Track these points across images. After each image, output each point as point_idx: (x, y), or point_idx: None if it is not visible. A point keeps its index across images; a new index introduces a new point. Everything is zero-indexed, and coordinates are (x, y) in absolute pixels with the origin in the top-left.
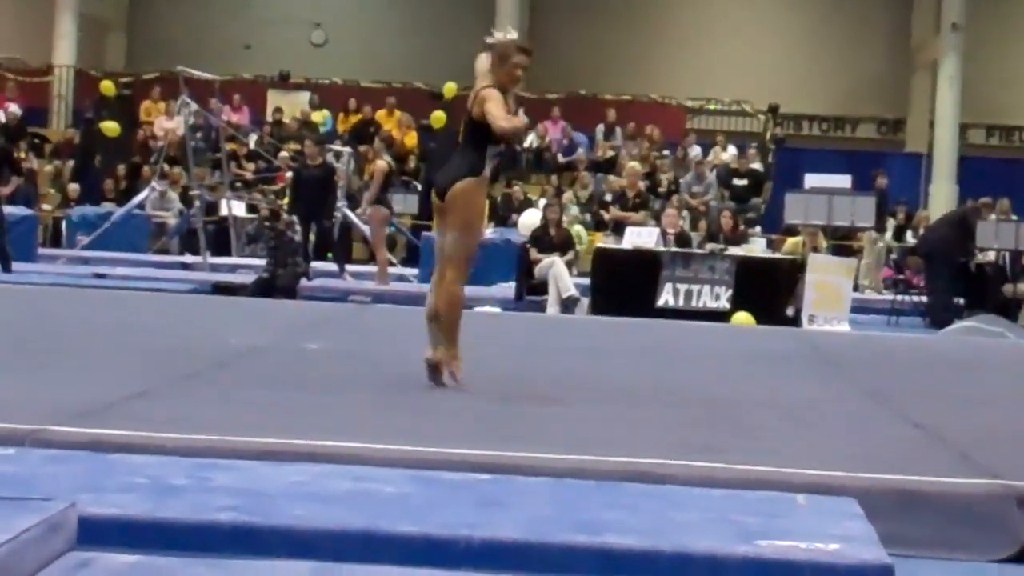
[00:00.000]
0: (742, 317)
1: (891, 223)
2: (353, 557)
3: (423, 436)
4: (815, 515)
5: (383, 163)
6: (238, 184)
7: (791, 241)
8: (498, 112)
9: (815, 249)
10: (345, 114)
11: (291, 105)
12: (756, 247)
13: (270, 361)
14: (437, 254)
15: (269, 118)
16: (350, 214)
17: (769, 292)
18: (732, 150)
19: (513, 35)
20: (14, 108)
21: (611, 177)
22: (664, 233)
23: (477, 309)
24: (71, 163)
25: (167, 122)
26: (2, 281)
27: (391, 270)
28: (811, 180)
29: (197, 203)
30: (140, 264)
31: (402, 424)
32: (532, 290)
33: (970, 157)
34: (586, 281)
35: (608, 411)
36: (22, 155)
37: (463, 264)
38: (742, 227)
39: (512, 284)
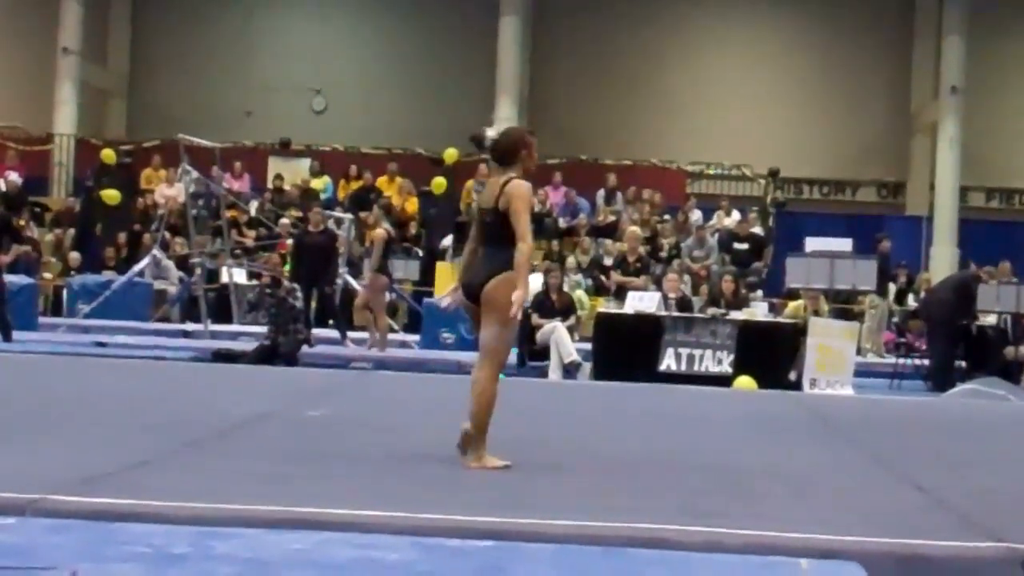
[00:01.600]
0: (744, 381)
1: (892, 287)
2: None
3: (425, 503)
4: None
5: (382, 231)
6: (239, 251)
7: (793, 305)
8: (527, 230)
9: (816, 313)
10: (346, 180)
11: (292, 172)
12: (758, 311)
13: (272, 429)
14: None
15: (270, 185)
16: (351, 281)
17: (771, 356)
18: (736, 215)
19: (500, 126)
20: (14, 177)
21: (612, 242)
22: (665, 298)
23: None
24: (72, 231)
25: (168, 190)
26: (2, 350)
27: (393, 337)
28: (812, 244)
29: (198, 271)
30: (141, 332)
31: (404, 491)
32: (534, 355)
33: (971, 220)
34: (588, 346)
35: (611, 477)
36: (23, 223)
37: (502, 359)
38: (743, 291)
39: (514, 350)
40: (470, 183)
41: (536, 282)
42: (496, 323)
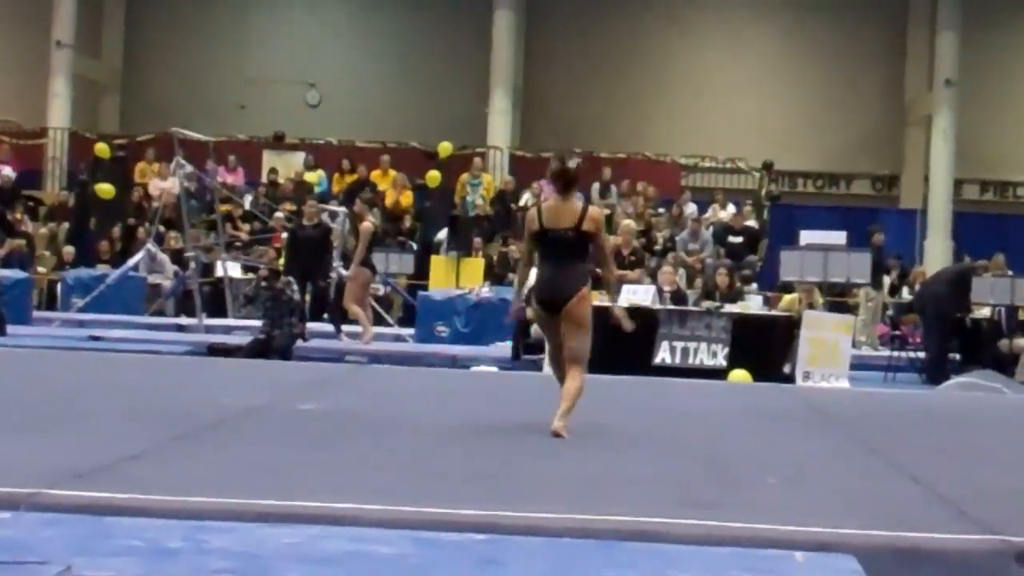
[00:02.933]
0: (739, 374)
1: (886, 280)
2: None
3: (419, 497)
4: (813, 572)
5: (368, 224)
6: (237, 244)
7: (787, 298)
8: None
9: (811, 306)
10: (340, 174)
11: (286, 166)
12: (752, 304)
13: (266, 422)
14: (552, 352)
15: (264, 179)
16: (345, 274)
17: (766, 349)
18: (731, 208)
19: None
20: (7, 171)
21: (606, 235)
22: (660, 291)
23: (474, 368)
24: (66, 225)
25: (162, 183)
26: None
27: (388, 330)
28: (806, 237)
29: (192, 264)
30: (135, 326)
31: (398, 485)
32: (528, 349)
33: (965, 213)
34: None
35: (606, 469)
36: (18, 216)
37: (587, 359)
38: (738, 284)
39: (508, 343)
40: (464, 176)
41: (531, 276)
42: (584, 331)
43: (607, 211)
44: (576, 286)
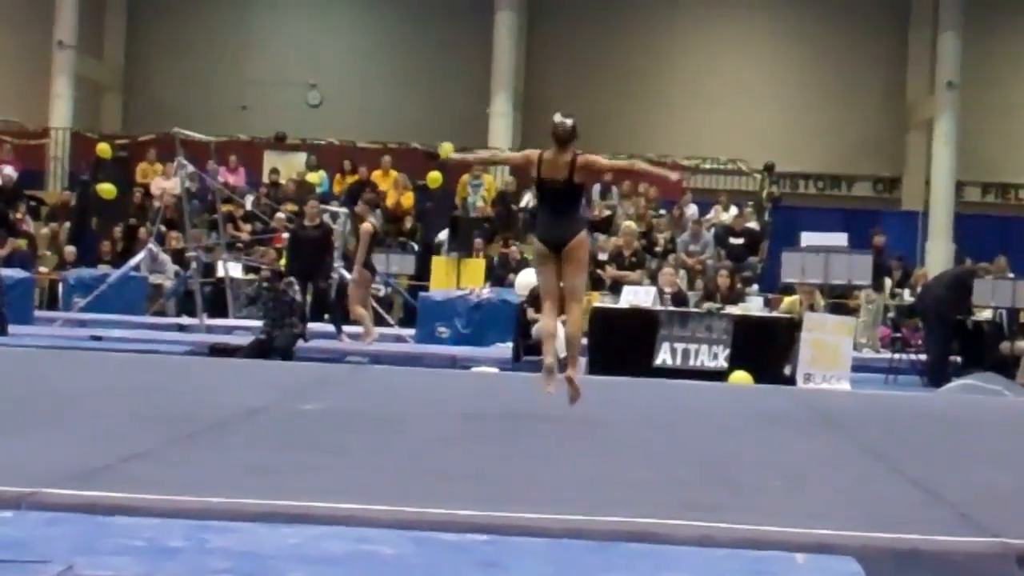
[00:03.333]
0: (740, 376)
1: (888, 282)
2: None
3: (421, 497)
4: (814, 574)
5: (368, 225)
6: (239, 245)
7: (788, 300)
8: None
9: (812, 307)
10: (341, 175)
11: (287, 166)
12: (753, 306)
13: (267, 422)
14: (550, 291)
15: (265, 179)
16: (346, 274)
17: (767, 351)
18: (733, 209)
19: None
20: (9, 171)
21: (607, 236)
22: (661, 292)
23: (474, 369)
24: (67, 225)
25: (164, 183)
26: None
27: (389, 331)
28: (807, 238)
29: (194, 265)
30: (136, 326)
31: (400, 485)
32: (529, 350)
33: (966, 215)
34: (584, 341)
35: (606, 471)
36: (20, 216)
37: (583, 295)
38: (739, 286)
39: (509, 344)
40: (465, 177)
41: (531, 277)
42: (583, 272)
43: (608, 212)
44: (575, 230)
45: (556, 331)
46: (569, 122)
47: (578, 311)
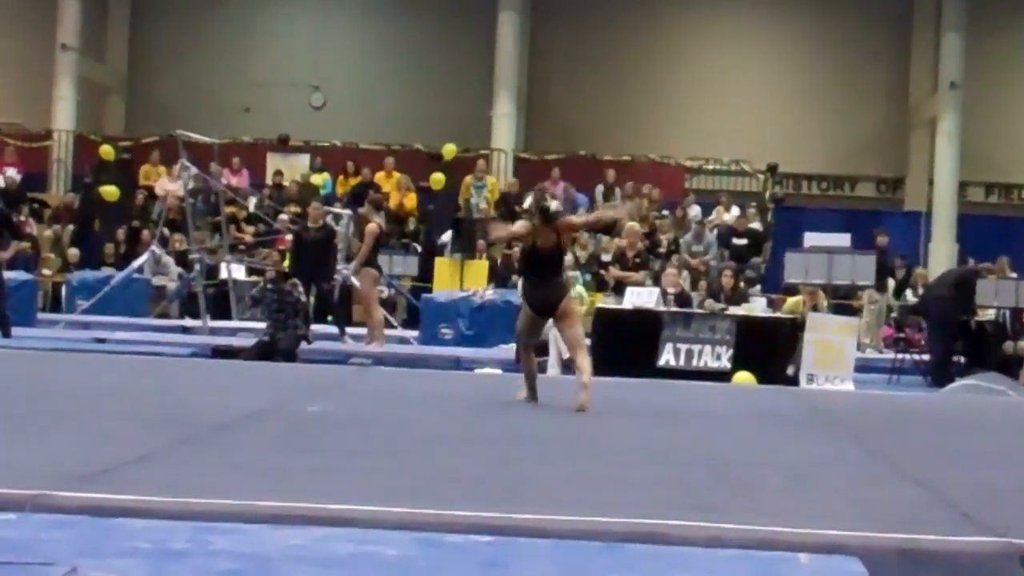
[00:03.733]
0: (743, 377)
1: (891, 282)
2: None
3: (425, 499)
4: (818, 574)
5: (373, 225)
6: (242, 247)
7: (791, 300)
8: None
9: (815, 308)
10: (344, 176)
11: (290, 168)
12: (756, 306)
13: (270, 424)
14: (533, 339)
15: (269, 181)
16: (351, 276)
17: (770, 352)
18: (735, 210)
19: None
20: (12, 173)
21: (611, 237)
22: (664, 293)
23: (478, 371)
24: (71, 228)
25: (167, 185)
26: (2, 346)
27: (392, 332)
28: (811, 239)
29: (197, 267)
30: (140, 328)
31: (403, 487)
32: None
33: (969, 215)
34: (587, 342)
35: (610, 471)
36: (23, 218)
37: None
38: (742, 286)
39: (512, 345)
40: (468, 179)
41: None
42: (578, 324)
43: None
44: (562, 294)
45: (536, 371)
46: (555, 204)
47: (586, 355)
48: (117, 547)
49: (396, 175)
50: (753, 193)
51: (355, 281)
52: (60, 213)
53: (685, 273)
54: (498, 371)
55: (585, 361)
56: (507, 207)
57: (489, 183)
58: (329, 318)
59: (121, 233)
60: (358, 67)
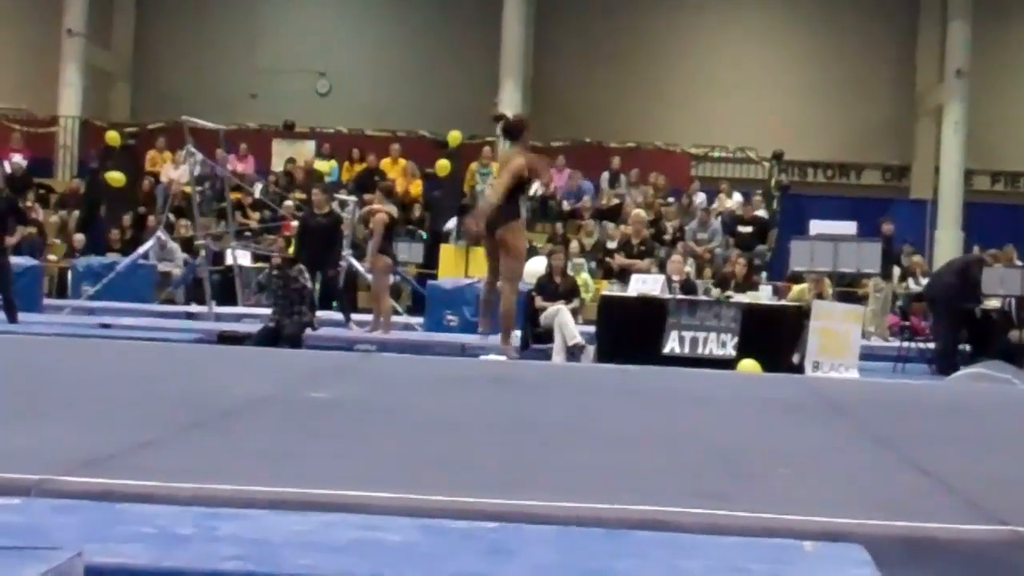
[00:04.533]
0: (748, 364)
1: (896, 270)
2: None
3: (429, 484)
4: (822, 562)
5: (383, 215)
6: (248, 233)
7: (797, 288)
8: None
9: (820, 296)
10: (350, 163)
11: (296, 154)
12: (762, 294)
13: (276, 410)
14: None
15: (274, 167)
16: (355, 263)
17: (775, 339)
18: (737, 197)
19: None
20: (19, 159)
21: (616, 224)
22: (669, 280)
23: (482, 357)
24: (76, 213)
25: (172, 172)
26: (8, 331)
27: (396, 319)
28: (816, 227)
29: (202, 253)
30: (145, 314)
31: (408, 473)
32: (537, 338)
33: (975, 203)
34: (592, 329)
35: (615, 458)
36: (30, 204)
37: (517, 279)
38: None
39: (518, 332)
40: (474, 165)
41: (539, 264)
42: (508, 256)
43: (616, 200)
44: (498, 217)
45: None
46: (508, 115)
47: (508, 294)
48: (123, 532)
49: (402, 162)
50: (759, 180)
51: (361, 269)
52: (66, 199)
53: (690, 261)
54: (503, 358)
55: (508, 299)
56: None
57: (495, 170)
58: (334, 304)
59: (127, 219)
60: (364, 54)
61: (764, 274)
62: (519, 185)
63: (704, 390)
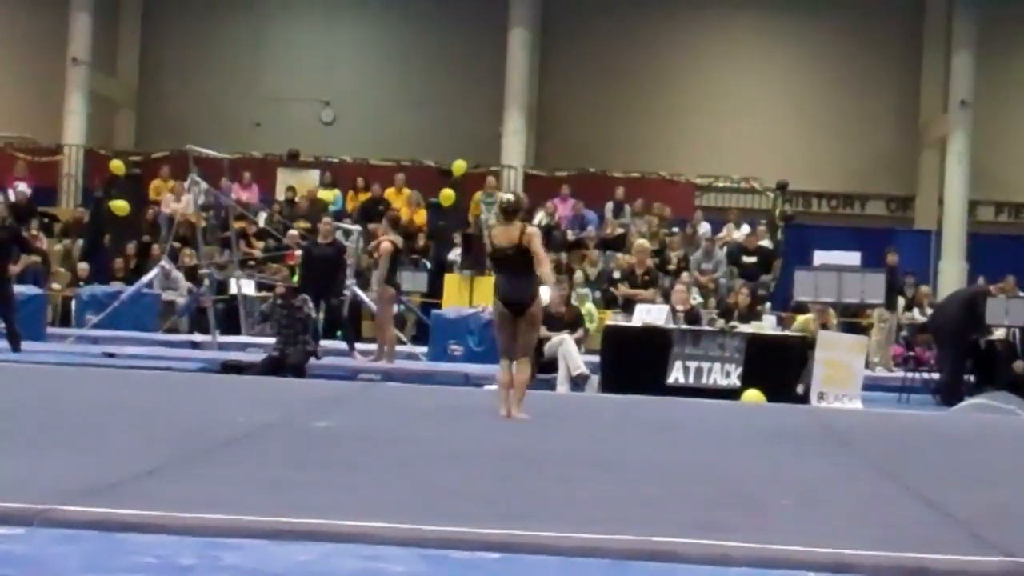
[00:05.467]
0: (753, 395)
1: (901, 301)
2: None
3: (432, 515)
4: None
5: (388, 244)
6: (252, 262)
7: (801, 318)
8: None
9: (825, 326)
10: (354, 192)
11: (300, 183)
12: (766, 324)
13: (279, 440)
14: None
15: (279, 196)
16: (360, 292)
17: (779, 370)
18: (745, 227)
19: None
20: (23, 187)
21: (620, 254)
22: (674, 310)
23: (487, 387)
24: (80, 242)
25: (173, 204)
26: (11, 360)
27: (400, 348)
28: (820, 257)
29: (207, 282)
30: (149, 343)
31: (411, 503)
32: (542, 368)
33: (979, 234)
34: (596, 359)
35: (619, 489)
36: (34, 233)
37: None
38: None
39: None
40: (478, 195)
41: (544, 294)
42: (535, 331)
43: (620, 230)
44: (528, 294)
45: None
46: (513, 198)
47: (527, 365)
48: (125, 562)
49: (406, 191)
50: (763, 211)
51: (365, 298)
52: (70, 227)
53: (695, 290)
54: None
55: (524, 373)
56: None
57: (499, 199)
58: (338, 333)
59: (131, 248)
60: (368, 83)
61: (768, 304)
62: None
63: (708, 420)
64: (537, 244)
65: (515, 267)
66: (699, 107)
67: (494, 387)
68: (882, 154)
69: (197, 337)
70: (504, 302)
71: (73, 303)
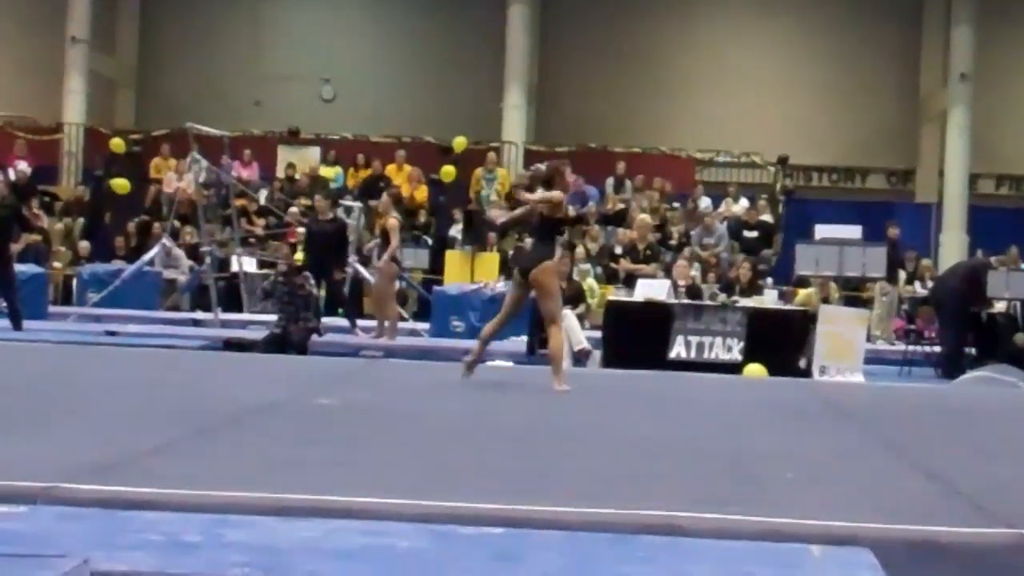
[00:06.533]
0: (754, 369)
1: (902, 274)
2: None
3: (437, 491)
4: (829, 566)
5: (394, 220)
6: (253, 240)
7: (803, 292)
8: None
9: (826, 300)
10: (355, 169)
11: (301, 160)
12: (768, 298)
13: (282, 417)
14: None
15: (280, 174)
16: (361, 269)
17: (781, 343)
18: (744, 201)
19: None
20: (23, 166)
21: (621, 230)
22: (675, 285)
23: (489, 363)
24: (81, 221)
25: (175, 182)
26: (13, 339)
27: (402, 325)
28: (821, 231)
29: (208, 259)
30: (151, 321)
31: (415, 479)
32: (544, 344)
33: (980, 207)
34: (598, 334)
35: (622, 464)
36: (35, 212)
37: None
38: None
39: (524, 338)
40: (479, 171)
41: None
42: (548, 298)
43: (621, 205)
44: (535, 259)
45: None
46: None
47: (557, 333)
48: (129, 539)
49: (407, 168)
50: (764, 185)
51: (367, 275)
52: (71, 206)
53: (696, 265)
54: (509, 364)
55: (555, 339)
56: (519, 200)
57: (500, 175)
58: (340, 311)
59: (132, 226)
60: (368, 60)
61: (769, 278)
62: (555, 224)
63: (710, 395)
64: (544, 194)
65: (533, 235)
66: (699, 82)
67: (496, 363)
68: (883, 127)
69: (199, 315)
70: (518, 270)
71: (74, 282)
